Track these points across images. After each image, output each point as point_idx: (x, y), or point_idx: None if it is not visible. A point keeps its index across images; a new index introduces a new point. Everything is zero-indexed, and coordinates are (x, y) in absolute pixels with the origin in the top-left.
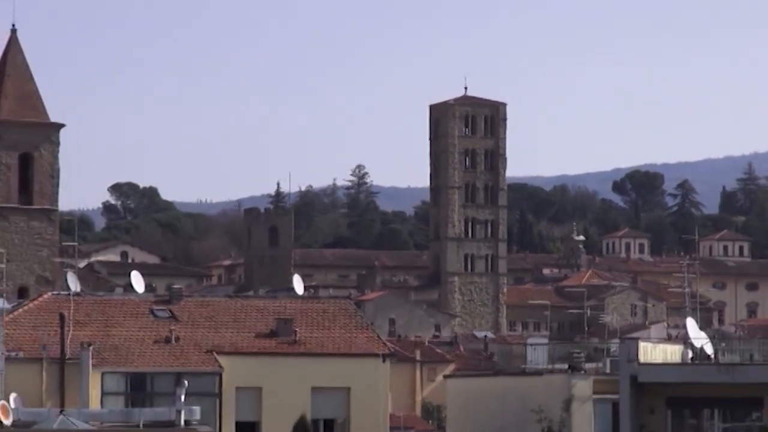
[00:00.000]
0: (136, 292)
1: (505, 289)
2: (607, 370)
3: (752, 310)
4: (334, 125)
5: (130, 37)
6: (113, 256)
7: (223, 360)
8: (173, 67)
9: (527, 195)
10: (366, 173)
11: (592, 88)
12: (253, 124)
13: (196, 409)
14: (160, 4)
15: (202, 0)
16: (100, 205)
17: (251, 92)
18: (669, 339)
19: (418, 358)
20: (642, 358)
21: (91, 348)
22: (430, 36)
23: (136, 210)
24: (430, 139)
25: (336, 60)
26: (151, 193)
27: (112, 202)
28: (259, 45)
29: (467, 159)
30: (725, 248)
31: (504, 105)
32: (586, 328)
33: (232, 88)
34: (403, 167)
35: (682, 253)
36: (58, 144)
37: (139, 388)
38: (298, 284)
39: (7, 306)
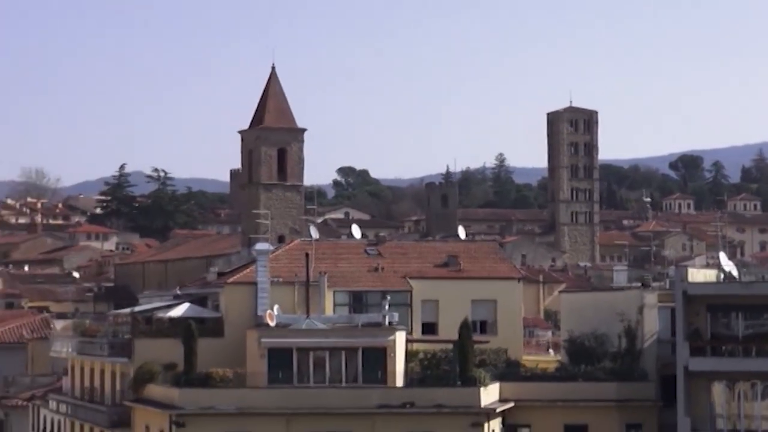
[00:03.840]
0: (355, 238)
1: (597, 234)
2: (667, 287)
3: (763, 246)
4: (485, 127)
5: (347, 58)
6: (340, 215)
7: (412, 282)
8: (383, 85)
9: (612, 172)
10: (505, 158)
11: (656, 99)
12: (432, 125)
13: (395, 314)
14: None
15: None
16: (331, 182)
17: (431, 100)
18: (707, 266)
19: (541, 280)
20: (690, 279)
21: (326, 275)
22: (547, 65)
23: (354, 184)
24: (548, 135)
25: (487, 81)
26: (364, 173)
27: (339, 179)
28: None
29: (572, 148)
30: (745, 205)
31: (596, 112)
32: (653, 259)
33: (418, 98)
34: (529, 153)
35: (716, 209)
36: (302, 141)
37: (358, 301)
38: (461, 232)
39: (271, 248)
